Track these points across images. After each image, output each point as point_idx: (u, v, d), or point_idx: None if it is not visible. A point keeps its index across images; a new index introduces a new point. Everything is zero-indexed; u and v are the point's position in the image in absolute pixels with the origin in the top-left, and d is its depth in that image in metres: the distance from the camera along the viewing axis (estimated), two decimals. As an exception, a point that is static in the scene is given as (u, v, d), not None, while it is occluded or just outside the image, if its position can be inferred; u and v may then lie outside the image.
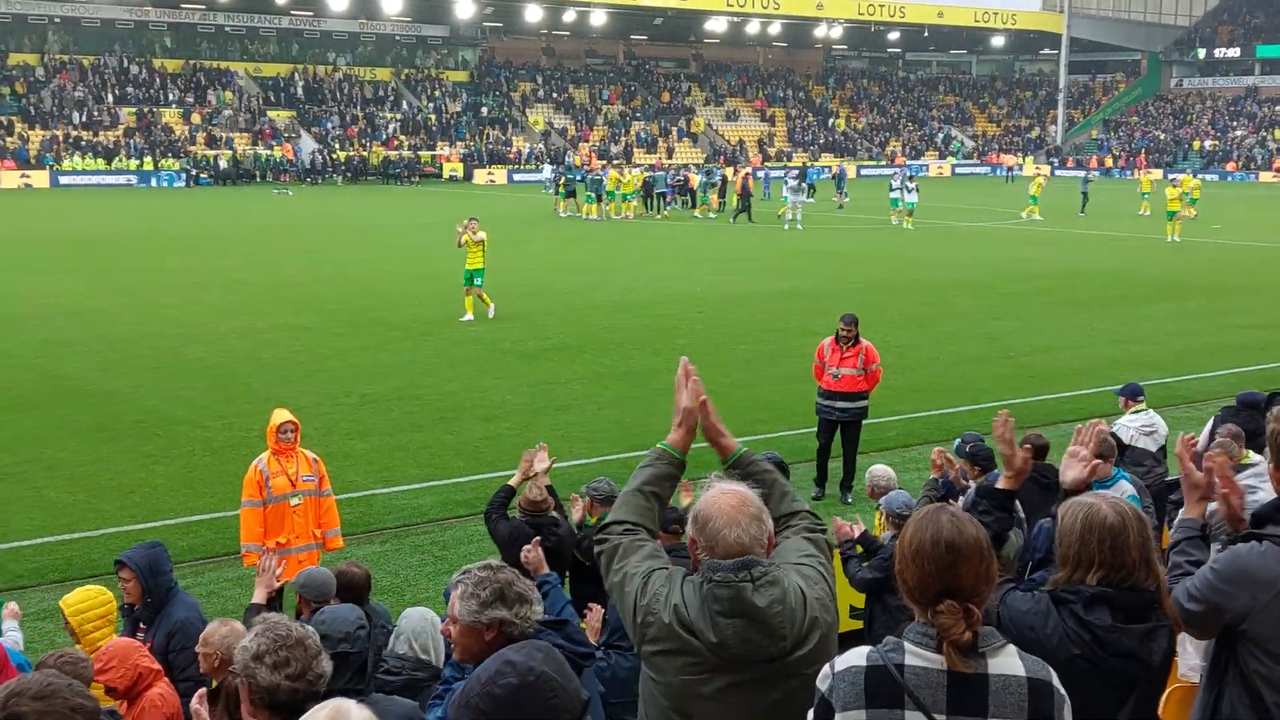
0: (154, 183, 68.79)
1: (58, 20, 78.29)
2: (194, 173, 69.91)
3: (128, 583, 7.25)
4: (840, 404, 13.49)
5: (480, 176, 77.50)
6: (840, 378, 13.45)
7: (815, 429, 13.85)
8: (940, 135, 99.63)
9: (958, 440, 11.11)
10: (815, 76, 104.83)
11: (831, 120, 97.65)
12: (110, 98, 75.48)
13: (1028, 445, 6.53)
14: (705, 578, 3.75)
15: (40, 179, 66.59)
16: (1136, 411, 11.68)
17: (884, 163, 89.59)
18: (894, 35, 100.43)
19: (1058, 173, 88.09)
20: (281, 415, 9.65)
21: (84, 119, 72.76)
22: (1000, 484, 4.70)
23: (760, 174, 68.18)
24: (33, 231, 41.72)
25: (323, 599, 6.91)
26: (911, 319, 24.88)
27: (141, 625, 7.20)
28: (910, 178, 48.76)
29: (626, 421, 16.38)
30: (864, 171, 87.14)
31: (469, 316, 23.92)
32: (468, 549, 11.57)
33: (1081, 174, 65.34)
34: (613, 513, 4.13)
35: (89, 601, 6.90)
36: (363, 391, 17.99)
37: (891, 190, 48.07)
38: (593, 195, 51.38)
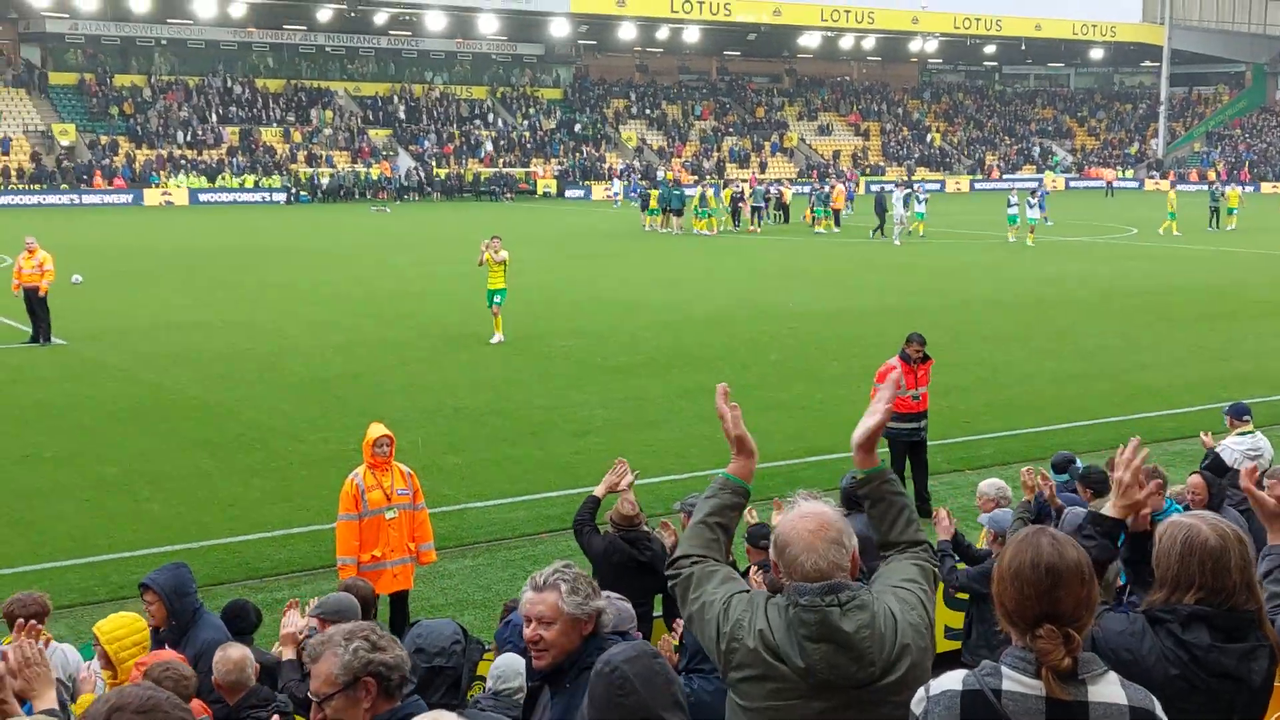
0: (256, 199, 70.25)
1: (164, 42, 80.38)
2: (295, 190, 71.29)
3: (152, 605, 7.17)
4: (914, 424, 13.47)
5: (573, 191, 78.14)
6: (919, 397, 13.47)
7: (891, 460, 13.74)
8: (1038, 149, 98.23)
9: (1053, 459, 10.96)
10: (910, 90, 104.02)
11: (927, 135, 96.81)
12: (214, 117, 77.28)
13: (1157, 480, 6.27)
14: (790, 601, 3.69)
15: (181, 196, 68.75)
16: (1243, 433, 11.44)
17: (990, 177, 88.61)
18: (990, 48, 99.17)
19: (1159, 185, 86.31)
20: (377, 430, 9.77)
21: (188, 138, 74.57)
22: (1111, 511, 4.49)
23: (850, 187, 67.83)
24: (140, 246, 42.75)
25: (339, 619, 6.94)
26: (1010, 335, 24.54)
27: (167, 648, 7.00)
28: (1033, 193, 48.38)
29: (717, 438, 16.12)
30: (978, 186, 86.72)
31: (499, 337, 23.46)
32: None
33: (1207, 186, 63.66)
34: (680, 546, 4.10)
35: (125, 629, 6.87)
36: (455, 406, 18.16)
37: (1009, 206, 46.60)
38: (699, 209, 51.30)
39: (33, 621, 5.95)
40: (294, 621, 6.84)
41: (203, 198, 69.54)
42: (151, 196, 68.33)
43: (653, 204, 52.36)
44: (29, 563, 11.66)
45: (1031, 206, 46.44)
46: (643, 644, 4.11)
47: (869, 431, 4.01)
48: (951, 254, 41.57)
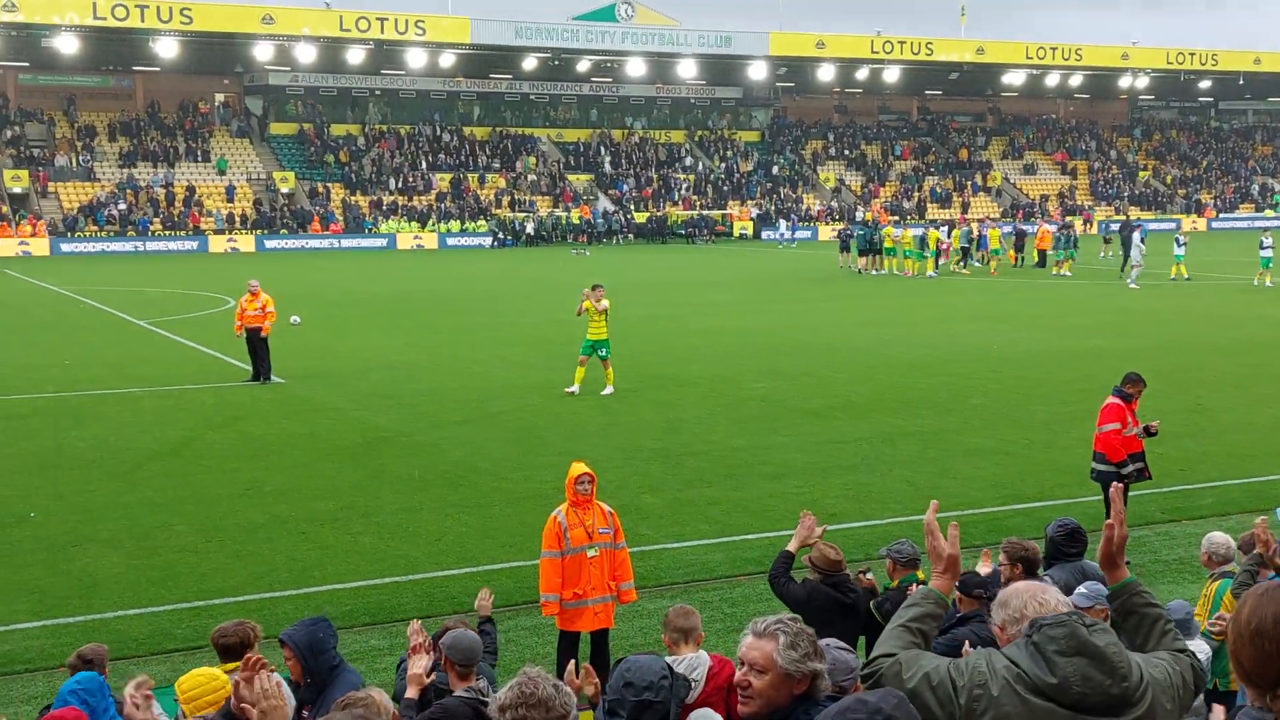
0: (464, 244, 72.49)
1: (378, 93, 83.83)
2: (501, 235, 73.25)
3: (289, 661, 6.90)
4: (1141, 464, 13.20)
5: (773, 234, 78.26)
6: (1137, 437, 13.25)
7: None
8: (1256, 187, 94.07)
9: (1278, 509, 10.45)
10: (1120, 128, 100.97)
11: (1138, 173, 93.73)
12: (424, 164, 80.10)
13: None
14: (1032, 630, 3.69)
15: (430, 240, 72.09)
16: None
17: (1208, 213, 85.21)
18: (1205, 84, 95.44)
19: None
20: (579, 468, 9.94)
21: (400, 184, 77.44)
22: None
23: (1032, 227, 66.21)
24: (353, 289, 44.50)
25: (468, 662, 6.83)
26: (1229, 380, 23.53)
27: (306, 706, 6.74)
28: None
29: (917, 482, 16.08)
30: (1216, 226, 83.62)
31: (574, 388, 22.58)
32: (756, 606, 11.57)
33: None
34: (878, 646, 4.10)
35: (202, 687, 6.73)
36: (653, 446, 18.31)
37: (1263, 249, 43.70)
38: (913, 251, 50.63)
39: (260, 656, 6.15)
40: (422, 663, 6.64)
41: (415, 242, 72.19)
42: (365, 240, 71.40)
43: (888, 244, 51.53)
44: (250, 592, 12.21)
45: (1265, 246, 43.06)
46: (892, 690, 4.05)
47: (1112, 545, 4.03)
48: (1166, 297, 40.07)
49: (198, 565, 13.03)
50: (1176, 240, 45.81)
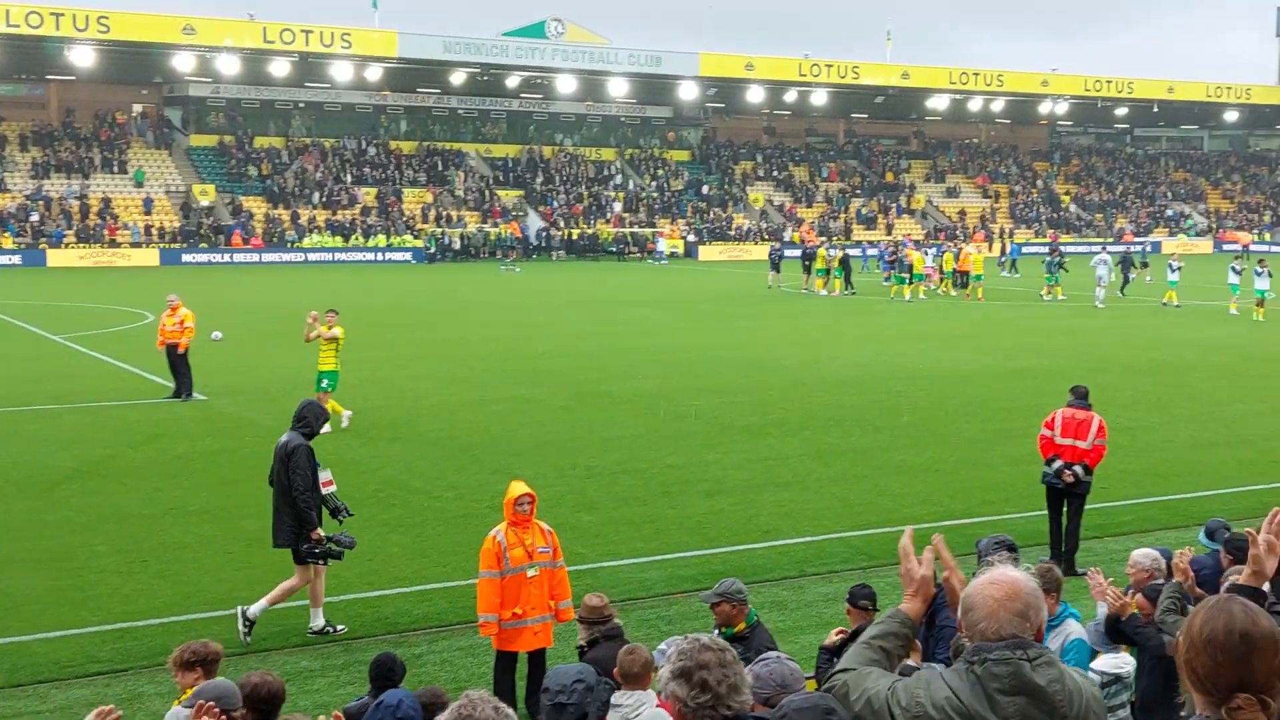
0: (391, 259, 71.88)
1: (302, 105, 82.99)
2: (432, 250, 72.79)
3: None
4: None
5: (706, 253, 78.58)
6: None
7: (1047, 509, 13.69)
8: (1170, 212, 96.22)
9: (1202, 528, 10.60)
10: (1039, 153, 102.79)
11: (1057, 197, 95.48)
12: (349, 178, 79.41)
13: None
14: (976, 659, 3.67)
15: (356, 255, 70.72)
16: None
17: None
18: (1122, 110, 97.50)
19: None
20: (519, 488, 9.84)
21: (324, 198, 76.68)
22: (1250, 582, 4.52)
23: (858, 250, 67.27)
24: (277, 304, 43.90)
25: (228, 709, 6.51)
26: (1147, 400, 23.96)
27: None
28: (1261, 261, 42.39)
29: (850, 499, 16.18)
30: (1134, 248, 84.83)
31: (345, 416, 20.98)
32: (693, 624, 11.52)
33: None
34: (843, 661, 4.11)
35: None
36: (588, 464, 18.23)
37: (1171, 271, 43.70)
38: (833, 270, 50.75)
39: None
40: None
41: (339, 257, 71.41)
42: (288, 255, 70.54)
43: (819, 264, 51.41)
44: (176, 613, 11.95)
45: (1260, 275, 40.10)
46: (821, 695, 4.02)
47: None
48: (1086, 317, 40.73)
49: (121, 586, 12.73)
50: (1170, 265, 44.74)
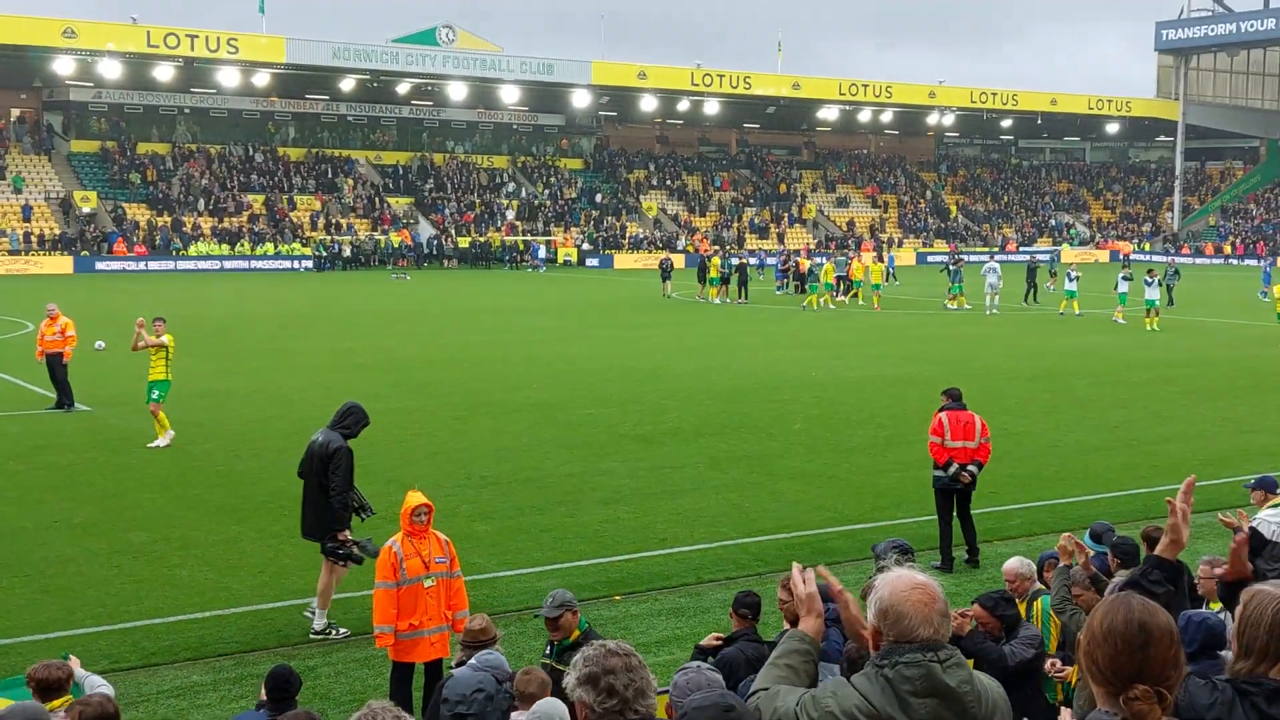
0: (278, 267, 70.76)
1: (187, 111, 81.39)
2: (324, 258, 71.81)
3: None
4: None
5: (621, 261, 78.88)
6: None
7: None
8: (1054, 222, 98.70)
9: (1087, 531, 10.88)
10: (927, 163, 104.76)
11: (944, 207, 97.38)
12: (236, 185, 78.04)
13: (1243, 534, 6.44)
14: (887, 663, 3.73)
15: (242, 263, 69.23)
16: (1275, 505, 11.36)
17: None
18: (1007, 123, 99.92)
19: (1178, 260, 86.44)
20: (416, 498, 9.76)
21: (210, 205, 75.25)
22: (1164, 552, 4.62)
23: (755, 258, 68.00)
24: (161, 313, 42.91)
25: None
26: (1033, 405, 24.50)
27: None
28: (1150, 271, 42.39)
29: (746, 506, 16.29)
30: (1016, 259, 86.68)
31: (163, 440, 19.86)
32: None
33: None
34: (756, 683, 4.17)
35: None
36: (483, 474, 18.13)
37: (1122, 282, 43.41)
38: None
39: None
40: None
41: (227, 265, 70.12)
42: (175, 263, 69.12)
43: (713, 273, 51.81)
44: (60, 629, 11.63)
45: (1150, 285, 40.76)
46: (721, 694, 4.04)
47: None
48: (966, 325, 41.58)
49: (4, 601, 12.36)
50: (1068, 275, 45.24)
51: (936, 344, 35.45)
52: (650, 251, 79.10)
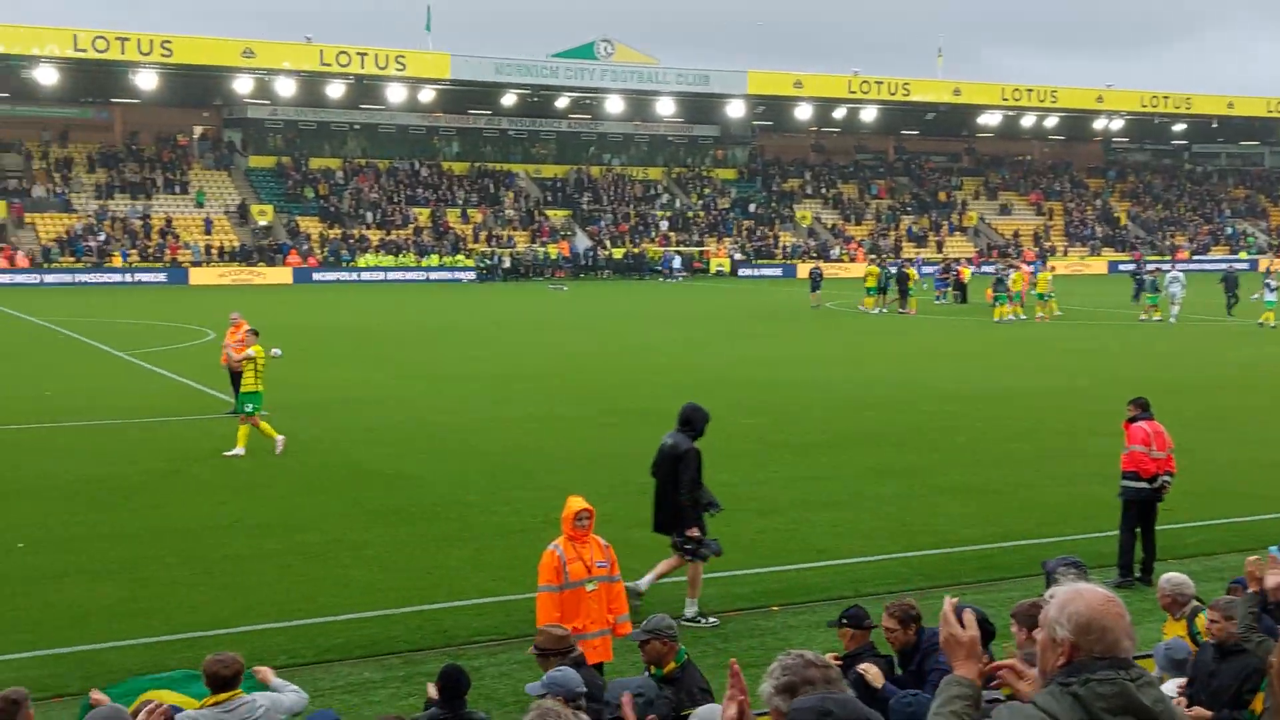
0: (441, 278, 72.48)
1: (357, 127, 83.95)
2: (485, 269, 73.31)
3: None
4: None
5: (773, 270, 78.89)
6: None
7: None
8: (1230, 230, 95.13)
9: (1273, 548, 10.51)
10: (1094, 169, 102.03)
11: (1112, 214, 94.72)
12: (402, 198, 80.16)
13: None
14: (1076, 679, 3.60)
15: (408, 274, 72.55)
16: None
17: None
18: (1179, 127, 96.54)
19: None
20: (578, 503, 9.96)
21: (378, 218, 77.46)
22: None
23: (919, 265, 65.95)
24: (334, 323, 44.39)
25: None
26: (1211, 419, 23.71)
27: None
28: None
29: (906, 519, 16.14)
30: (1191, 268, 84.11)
31: (238, 450, 20.00)
32: (748, 642, 11.63)
33: None
34: None
35: None
36: (640, 481, 18.12)
37: (1269, 291, 42.97)
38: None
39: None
40: None
41: (392, 276, 72.11)
42: (348, 274, 71.72)
43: (870, 282, 51.32)
44: (238, 624, 12.14)
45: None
46: (821, 698, 4.04)
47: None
48: (1134, 335, 40.40)
49: (188, 597, 12.96)
50: (1267, 284, 43.85)
51: (1080, 358, 34.48)
52: (804, 261, 78.71)
